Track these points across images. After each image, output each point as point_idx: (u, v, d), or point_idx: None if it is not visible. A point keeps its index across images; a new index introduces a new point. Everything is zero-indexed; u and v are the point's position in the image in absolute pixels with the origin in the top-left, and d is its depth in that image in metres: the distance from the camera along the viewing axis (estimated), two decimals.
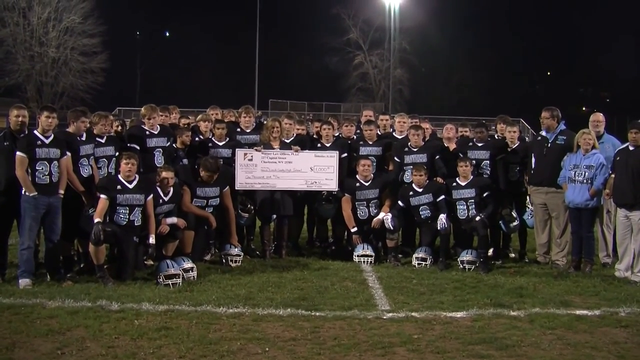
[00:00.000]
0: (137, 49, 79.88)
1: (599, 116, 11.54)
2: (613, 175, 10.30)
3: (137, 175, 9.95)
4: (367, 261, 11.12)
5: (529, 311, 8.30)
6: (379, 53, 72.73)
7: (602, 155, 10.65)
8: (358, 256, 11.21)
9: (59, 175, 9.51)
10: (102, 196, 9.61)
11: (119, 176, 9.86)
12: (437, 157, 11.69)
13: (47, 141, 9.43)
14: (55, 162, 9.46)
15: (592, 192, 10.47)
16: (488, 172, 11.62)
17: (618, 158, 10.31)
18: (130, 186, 9.81)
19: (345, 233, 11.85)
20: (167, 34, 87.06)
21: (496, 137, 12.19)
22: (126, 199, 9.75)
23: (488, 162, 11.64)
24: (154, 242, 9.90)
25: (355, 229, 11.43)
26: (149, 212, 9.94)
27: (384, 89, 71.88)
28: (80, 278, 9.73)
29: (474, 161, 11.49)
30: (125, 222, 9.77)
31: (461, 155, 11.51)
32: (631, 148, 10.14)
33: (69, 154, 9.73)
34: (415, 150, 11.66)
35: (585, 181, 10.52)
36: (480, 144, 11.76)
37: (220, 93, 46.70)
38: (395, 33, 68.14)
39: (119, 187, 9.74)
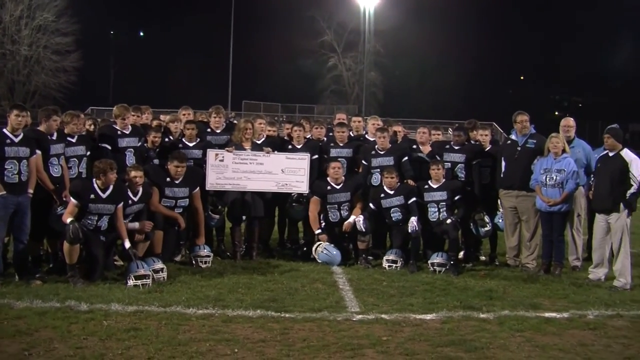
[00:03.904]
0: (110, 48, 79.54)
1: (570, 121, 11.63)
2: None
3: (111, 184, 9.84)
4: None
5: (499, 313, 8.34)
6: (353, 56, 72.99)
7: (572, 160, 10.72)
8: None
9: (28, 174, 9.41)
10: (73, 201, 9.54)
11: (94, 183, 9.73)
12: (405, 159, 11.72)
13: (16, 140, 9.33)
14: (25, 160, 9.36)
15: (563, 197, 10.54)
16: (463, 175, 11.67)
17: (599, 165, 10.40)
18: (104, 196, 9.69)
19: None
20: (141, 34, 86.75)
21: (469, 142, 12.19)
22: (97, 208, 9.66)
23: (463, 165, 11.68)
24: (129, 246, 9.80)
25: (319, 230, 11.46)
26: (119, 218, 9.87)
27: (357, 91, 72.11)
28: (49, 278, 9.61)
29: (448, 164, 11.55)
30: (92, 228, 9.69)
31: (437, 158, 11.56)
32: (610, 154, 10.20)
33: (38, 152, 9.63)
34: (382, 152, 11.71)
35: (556, 185, 10.59)
36: (457, 147, 11.79)
37: (194, 94, 46.48)
38: (369, 36, 68.37)
39: (92, 196, 9.61)
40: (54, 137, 10.09)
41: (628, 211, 10.01)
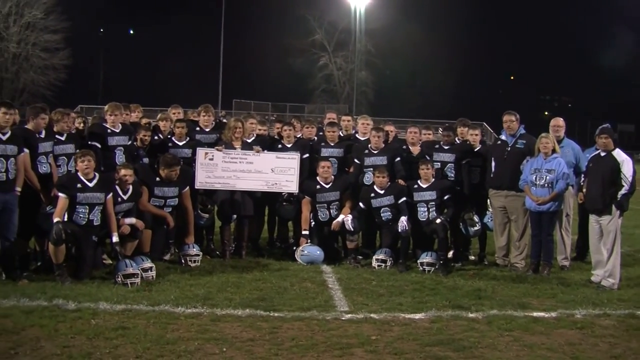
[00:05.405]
0: (100, 46, 79.38)
1: (559, 121, 11.64)
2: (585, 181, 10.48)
3: (96, 174, 9.80)
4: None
5: (487, 313, 8.36)
6: (344, 55, 73.12)
7: (563, 160, 10.72)
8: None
9: (16, 172, 9.34)
10: (62, 195, 9.46)
11: (79, 174, 9.70)
12: (398, 159, 11.71)
13: (3, 138, 9.25)
14: (12, 159, 9.28)
15: (552, 195, 10.54)
16: (452, 175, 11.64)
17: (591, 164, 10.38)
18: (91, 185, 9.66)
19: None
20: (132, 32, 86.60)
21: (457, 141, 12.17)
22: (86, 197, 9.60)
23: (453, 165, 11.65)
24: (117, 240, 9.74)
25: (306, 232, 11.46)
26: (110, 211, 9.79)
27: (348, 90, 72.23)
28: (36, 277, 9.56)
29: (437, 164, 11.55)
30: (84, 222, 9.62)
31: (427, 158, 11.55)
32: (602, 154, 10.22)
33: (26, 150, 9.57)
34: (375, 152, 11.68)
35: (546, 185, 10.58)
36: (446, 147, 11.78)
37: (184, 92, 46.44)
38: (360, 35, 68.57)
39: (79, 185, 9.59)
40: (42, 135, 10.02)
41: (620, 212, 10.02)
